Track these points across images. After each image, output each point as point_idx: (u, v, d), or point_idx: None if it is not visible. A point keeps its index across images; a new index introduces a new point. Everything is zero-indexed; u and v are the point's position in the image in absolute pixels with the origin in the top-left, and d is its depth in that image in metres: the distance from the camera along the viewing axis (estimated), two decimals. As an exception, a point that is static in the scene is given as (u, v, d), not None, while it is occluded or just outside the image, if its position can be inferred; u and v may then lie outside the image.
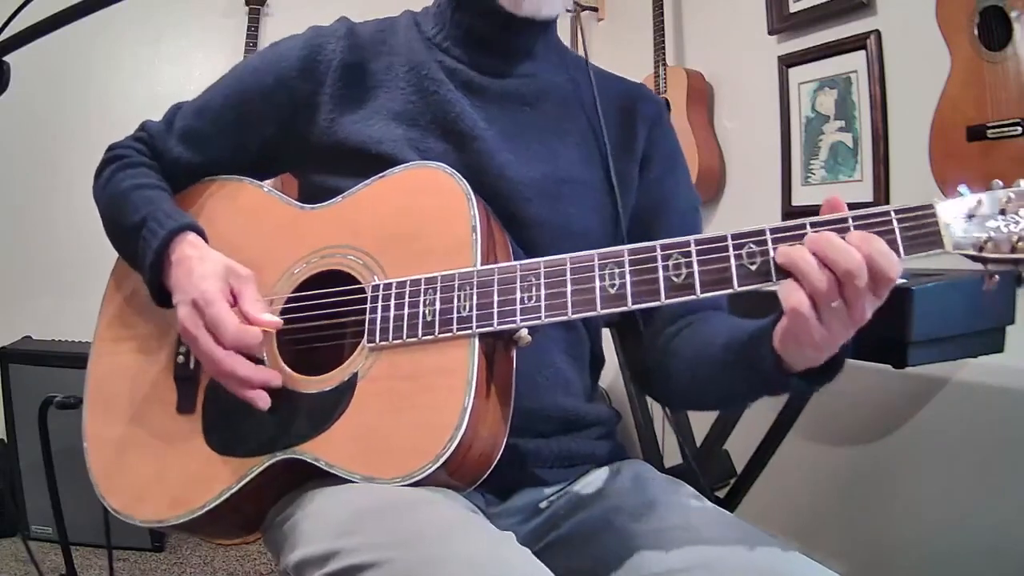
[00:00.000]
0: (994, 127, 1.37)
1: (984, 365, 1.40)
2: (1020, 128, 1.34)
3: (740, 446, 1.70)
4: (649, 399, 1.61)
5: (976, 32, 1.40)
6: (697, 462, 1.68)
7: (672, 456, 1.87)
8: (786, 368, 0.70)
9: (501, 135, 0.89)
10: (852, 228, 0.63)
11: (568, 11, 2.27)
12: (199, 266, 0.80)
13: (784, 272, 0.63)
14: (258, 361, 0.79)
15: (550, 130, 0.92)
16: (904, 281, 1.13)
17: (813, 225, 0.63)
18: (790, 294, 0.63)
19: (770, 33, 2.12)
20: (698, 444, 1.80)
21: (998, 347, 1.24)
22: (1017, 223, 0.59)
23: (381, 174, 0.83)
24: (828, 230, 0.63)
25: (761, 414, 1.64)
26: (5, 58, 0.76)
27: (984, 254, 0.60)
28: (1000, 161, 1.37)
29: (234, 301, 0.79)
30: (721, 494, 1.76)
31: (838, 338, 0.64)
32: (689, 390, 0.88)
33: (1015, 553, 1.51)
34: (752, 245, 0.65)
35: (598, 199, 0.91)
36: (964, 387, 1.62)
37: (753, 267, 0.65)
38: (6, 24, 0.75)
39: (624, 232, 0.90)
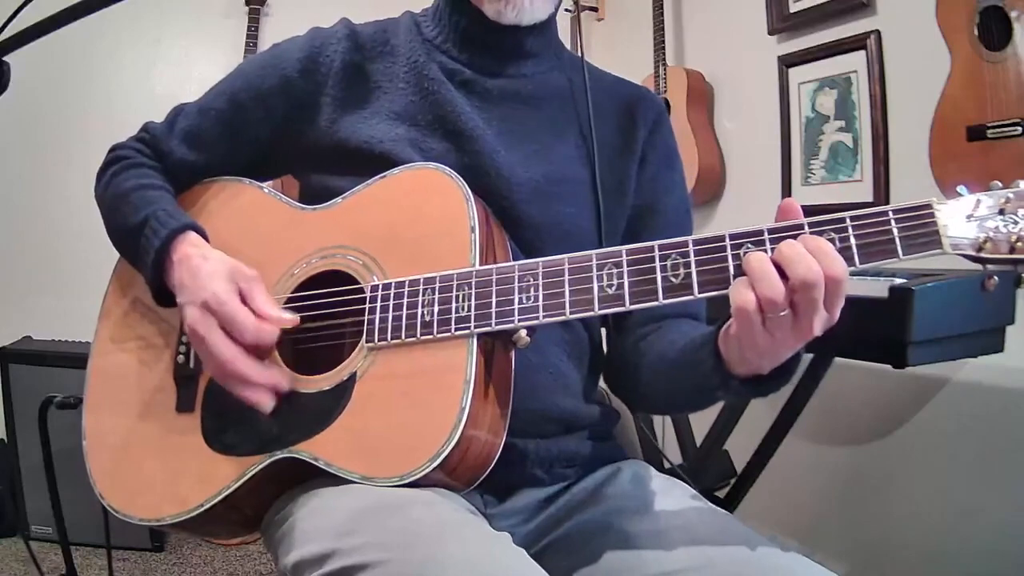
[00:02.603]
0: (994, 127, 1.37)
1: (984, 365, 1.40)
2: (1020, 128, 1.34)
3: (740, 446, 1.70)
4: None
5: (976, 32, 1.40)
6: (697, 462, 1.68)
7: (672, 456, 1.86)
8: (726, 370, 0.70)
9: (500, 135, 0.89)
10: (849, 226, 0.62)
11: (567, 11, 2.27)
12: (204, 266, 0.80)
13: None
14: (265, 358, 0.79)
15: (548, 130, 0.92)
16: (904, 281, 1.13)
17: (810, 226, 0.64)
18: (739, 292, 0.63)
19: (770, 33, 2.12)
20: (698, 444, 1.80)
21: (998, 347, 1.24)
22: (1016, 223, 0.59)
23: (381, 175, 0.84)
24: (793, 236, 0.63)
25: (761, 414, 1.64)
26: (5, 58, 0.76)
27: (983, 255, 0.60)
28: (1000, 161, 1.37)
29: (243, 300, 0.79)
30: (721, 494, 1.76)
31: (781, 347, 0.64)
32: (647, 392, 0.89)
33: (1015, 553, 1.51)
34: (750, 245, 0.65)
35: (595, 199, 0.91)
36: (964, 387, 1.62)
37: (752, 267, 0.64)
38: (6, 24, 0.75)
39: (607, 232, 0.90)
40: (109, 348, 0.92)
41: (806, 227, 0.63)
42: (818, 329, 0.62)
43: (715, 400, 0.80)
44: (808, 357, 1.56)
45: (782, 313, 0.61)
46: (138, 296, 0.91)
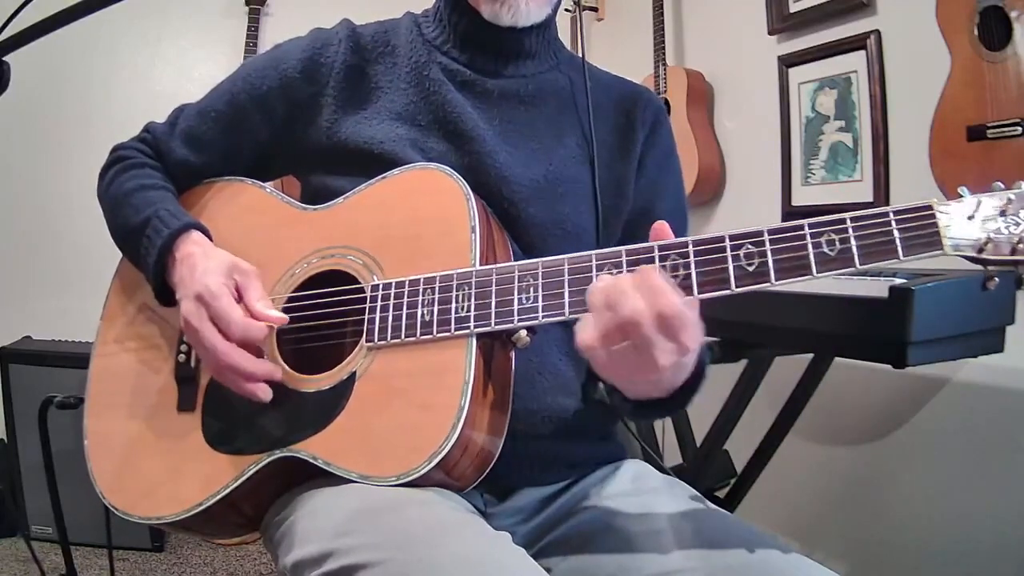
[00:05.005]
0: (994, 127, 1.37)
1: (984, 365, 1.40)
2: (1020, 128, 1.34)
3: (740, 446, 1.70)
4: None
5: (976, 32, 1.40)
6: (697, 462, 1.68)
7: (672, 456, 1.87)
8: (621, 395, 0.71)
9: (500, 135, 0.89)
10: (850, 227, 0.62)
11: (567, 11, 2.27)
12: (203, 262, 0.81)
13: (783, 274, 0.64)
14: (259, 355, 0.79)
15: (547, 130, 0.92)
16: (904, 281, 1.13)
17: (811, 226, 0.63)
18: (578, 329, 0.64)
19: (770, 33, 2.12)
20: (698, 444, 1.80)
21: (998, 347, 1.23)
22: (1018, 225, 0.59)
23: (381, 176, 0.84)
24: (792, 236, 0.63)
25: (761, 414, 1.64)
26: (5, 58, 0.76)
27: (984, 256, 0.60)
28: (1000, 161, 1.37)
29: (238, 296, 0.80)
30: (721, 494, 1.76)
31: (637, 378, 0.64)
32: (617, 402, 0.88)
33: (1015, 553, 1.51)
34: (750, 246, 0.65)
35: (595, 199, 0.91)
36: (964, 387, 1.62)
37: (751, 268, 0.65)
38: (6, 24, 0.76)
39: (606, 233, 0.90)
40: (111, 348, 0.92)
41: (807, 228, 0.63)
42: (664, 360, 0.61)
43: (634, 417, 0.81)
44: (808, 357, 1.56)
45: (615, 347, 0.62)
46: (140, 296, 0.92)
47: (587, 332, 0.63)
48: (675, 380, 0.67)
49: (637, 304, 0.60)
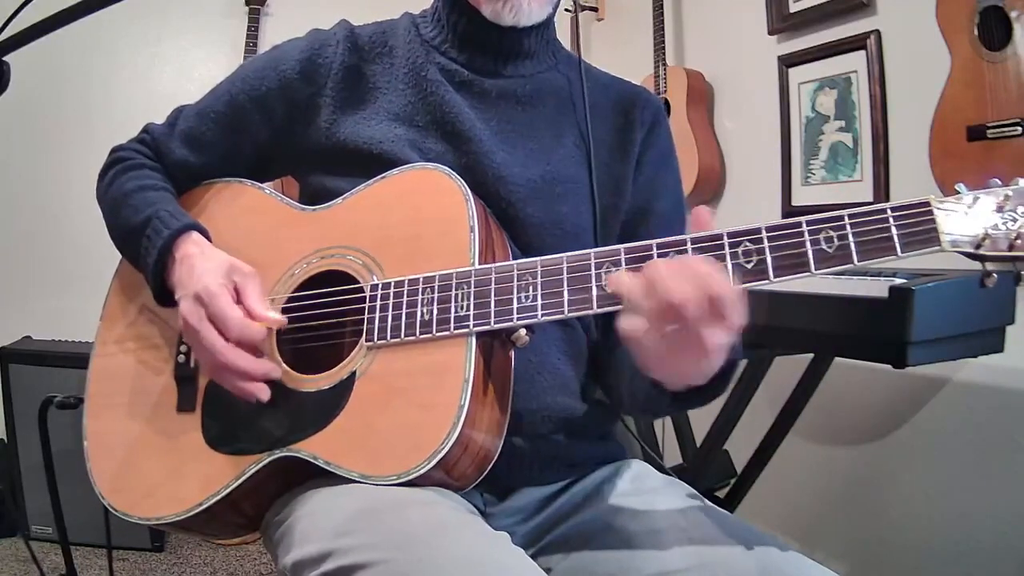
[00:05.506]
0: (994, 127, 1.37)
1: (984, 365, 1.40)
2: (1020, 128, 1.34)
3: (740, 446, 1.70)
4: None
5: (976, 32, 1.40)
6: (697, 462, 1.68)
7: (672, 456, 1.87)
8: (660, 387, 0.70)
9: (498, 135, 0.89)
10: (847, 224, 0.62)
11: (567, 11, 2.27)
12: (202, 263, 0.81)
13: (781, 271, 0.63)
14: (258, 356, 0.79)
15: (545, 129, 0.92)
16: (904, 281, 1.13)
17: (809, 224, 0.64)
18: (622, 320, 0.63)
19: (770, 33, 2.12)
20: (698, 444, 1.80)
21: (998, 347, 1.23)
22: (1015, 221, 0.59)
23: (380, 176, 0.84)
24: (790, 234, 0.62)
25: (761, 414, 1.64)
26: (5, 58, 0.76)
27: (982, 252, 0.60)
28: (1000, 161, 1.37)
29: (237, 297, 0.80)
30: (721, 494, 1.76)
31: (684, 361, 0.63)
32: (623, 396, 0.88)
33: (1015, 553, 1.51)
34: (748, 243, 0.65)
35: (593, 198, 0.91)
36: (964, 387, 1.62)
37: (749, 266, 0.65)
38: (6, 24, 0.76)
39: (604, 232, 0.90)
40: (111, 349, 0.92)
41: (805, 226, 0.63)
42: (713, 341, 0.60)
43: (668, 410, 0.81)
44: (808, 357, 1.56)
45: (663, 332, 0.60)
46: (140, 297, 0.92)
47: (631, 321, 0.62)
48: (715, 365, 0.65)
49: (684, 287, 0.59)
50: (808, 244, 0.63)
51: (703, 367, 0.64)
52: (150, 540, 2.04)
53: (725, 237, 0.66)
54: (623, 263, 0.69)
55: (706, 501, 0.83)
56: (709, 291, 0.59)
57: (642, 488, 0.85)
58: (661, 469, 0.93)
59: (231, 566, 2.03)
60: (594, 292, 0.69)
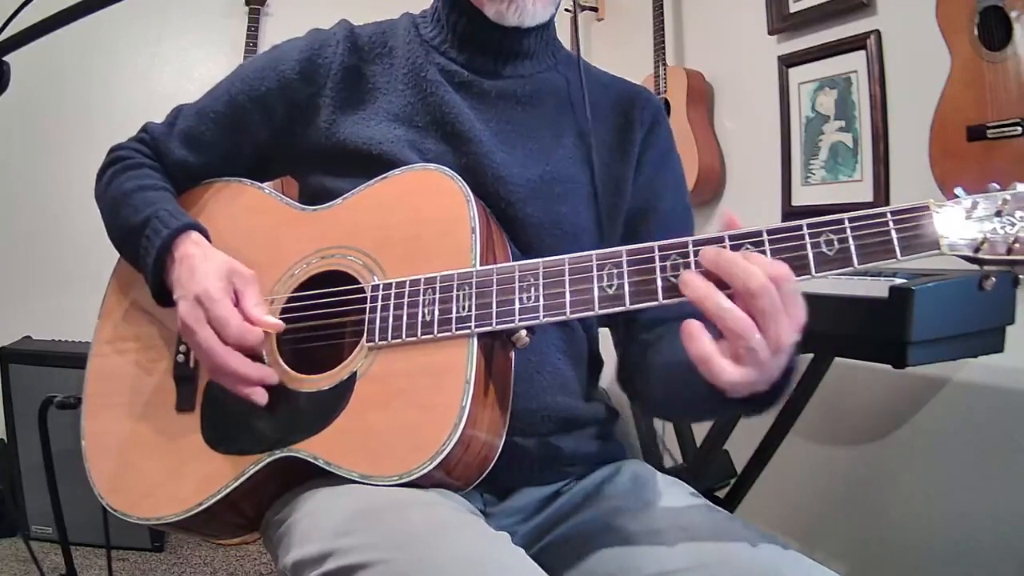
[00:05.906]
0: (994, 127, 1.37)
1: (984, 365, 1.40)
2: (1020, 128, 1.34)
3: (740, 446, 1.70)
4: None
5: (976, 32, 1.40)
6: (697, 462, 1.68)
7: (672, 456, 1.87)
8: (720, 396, 0.68)
9: (497, 136, 0.89)
10: (848, 228, 0.62)
11: (567, 11, 2.27)
12: (202, 264, 0.81)
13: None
14: (257, 359, 0.79)
15: (545, 130, 0.92)
16: (904, 281, 1.13)
17: (809, 227, 0.64)
18: (690, 342, 0.63)
19: (770, 33, 2.12)
20: (698, 444, 1.80)
21: (998, 347, 1.24)
22: (1013, 225, 0.60)
23: (381, 176, 0.84)
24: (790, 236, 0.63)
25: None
26: (5, 58, 0.76)
27: (980, 256, 0.60)
28: (1000, 161, 1.36)
29: (236, 300, 0.80)
30: (721, 494, 1.76)
31: (769, 363, 0.62)
32: (661, 402, 0.88)
33: (1015, 553, 1.51)
34: (749, 246, 0.65)
35: (594, 199, 0.91)
36: (964, 387, 1.62)
37: (751, 268, 0.64)
38: (6, 24, 0.76)
39: (605, 232, 0.90)
40: (109, 348, 0.92)
41: (805, 228, 0.64)
42: (787, 338, 0.61)
43: (722, 416, 0.79)
44: (808, 357, 1.56)
45: (751, 343, 0.60)
46: (138, 296, 0.91)
47: (696, 346, 0.62)
48: (781, 363, 0.64)
49: (758, 274, 0.60)
50: (809, 247, 0.64)
51: (774, 371, 0.64)
52: (150, 540, 2.04)
53: (727, 240, 0.66)
54: (625, 264, 0.69)
55: (706, 501, 0.83)
56: (773, 274, 0.60)
57: (642, 488, 0.85)
58: (661, 469, 0.93)
59: (231, 566, 2.03)
60: (596, 293, 0.69)
